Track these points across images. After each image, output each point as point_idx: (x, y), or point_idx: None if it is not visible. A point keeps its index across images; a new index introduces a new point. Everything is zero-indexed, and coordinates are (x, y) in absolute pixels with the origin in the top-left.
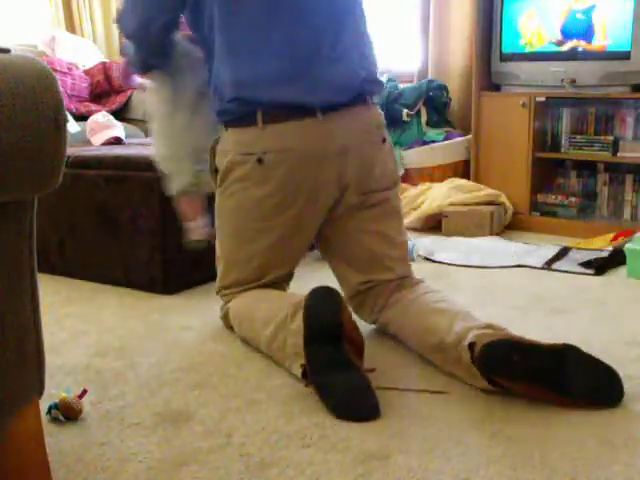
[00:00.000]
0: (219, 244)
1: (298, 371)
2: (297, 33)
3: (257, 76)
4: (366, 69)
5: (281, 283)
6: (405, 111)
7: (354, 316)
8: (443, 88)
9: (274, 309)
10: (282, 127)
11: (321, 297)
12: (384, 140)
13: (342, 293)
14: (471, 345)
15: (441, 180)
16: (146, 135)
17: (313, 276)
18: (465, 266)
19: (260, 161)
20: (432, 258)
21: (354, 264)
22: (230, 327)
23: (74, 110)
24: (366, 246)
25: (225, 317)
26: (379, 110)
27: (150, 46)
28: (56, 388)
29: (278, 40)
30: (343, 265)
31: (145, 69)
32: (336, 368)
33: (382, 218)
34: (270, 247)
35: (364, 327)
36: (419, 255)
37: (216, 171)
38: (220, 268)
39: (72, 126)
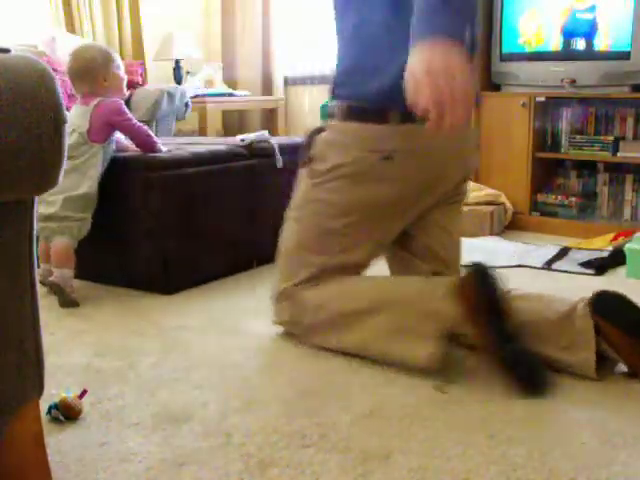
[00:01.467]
0: (294, 238)
1: (427, 352)
2: None
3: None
4: None
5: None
6: None
7: None
8: None
9: (395, 291)
10: (414, 127)
11: (484, 273)
12: None
13: None
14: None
15: None
16: None
17: None
18: (465, 266)
19: (387, 159)
20: None
21: (421, 256)
22: (285, 324)
23: None
24: (438, 242)
25: (295, 309)
26: None
27: None
28: (56, 388)
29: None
30: (408, 256)
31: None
32: (509, 340)
33: (455, 215)
34: (358, 242)
35: None
36: None
37: (309, 160)
38: (289, 264)
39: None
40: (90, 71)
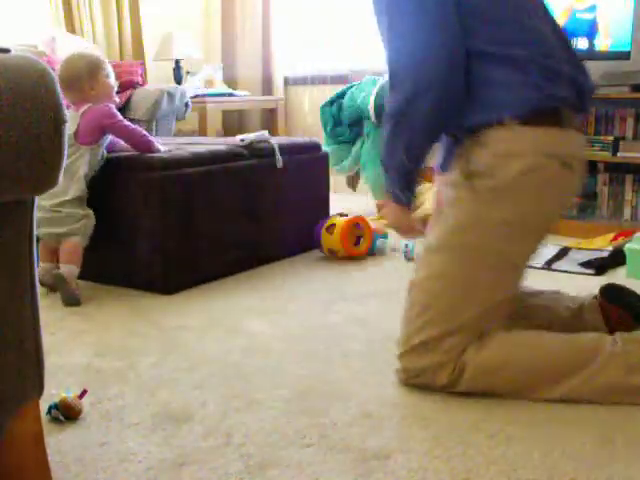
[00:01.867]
0: (456, 269)
1: None
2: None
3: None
4: None
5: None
6: None
7: None
8: None
9: (590, 347)
10: (573, 132)
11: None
12: None
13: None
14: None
15: None
16: None
17: (313, 276)
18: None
19: (566, 166)
20: None
21: None
22: (438, 382)
23: None
24: None
25: (454, 375)
26: None
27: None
28: (56, 388)
29: (555, 29)
30: None
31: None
32: None
33: None
34: (522, 268)
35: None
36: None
37: (468, 177)
38: (447, 302)
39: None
40: (75, 81)
